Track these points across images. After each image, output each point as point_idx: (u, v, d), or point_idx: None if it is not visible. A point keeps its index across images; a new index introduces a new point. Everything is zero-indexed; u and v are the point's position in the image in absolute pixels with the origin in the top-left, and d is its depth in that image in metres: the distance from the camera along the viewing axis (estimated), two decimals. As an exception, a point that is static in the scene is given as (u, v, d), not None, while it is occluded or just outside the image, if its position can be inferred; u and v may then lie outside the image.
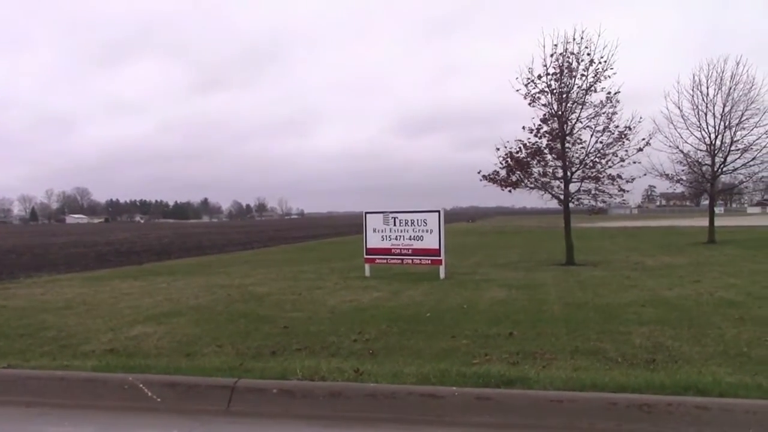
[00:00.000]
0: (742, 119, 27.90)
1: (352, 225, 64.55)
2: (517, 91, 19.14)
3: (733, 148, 28.46)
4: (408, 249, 16.02)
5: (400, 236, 16.10)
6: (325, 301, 12.02)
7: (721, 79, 28.16)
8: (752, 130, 27.96)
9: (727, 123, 28.19)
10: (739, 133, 28.20)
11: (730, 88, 28.00)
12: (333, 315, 10.47)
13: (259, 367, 6.97)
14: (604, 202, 20.10)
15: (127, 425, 5.92)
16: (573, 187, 19.49)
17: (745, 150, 28.37)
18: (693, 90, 28.63)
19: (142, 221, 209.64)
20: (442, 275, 15.45)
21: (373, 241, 16.53)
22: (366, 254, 16.73)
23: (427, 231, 15.80)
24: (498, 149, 19.20)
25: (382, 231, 16.36)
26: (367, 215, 16.76)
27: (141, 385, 6.40)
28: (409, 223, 16.02)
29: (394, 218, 16.23)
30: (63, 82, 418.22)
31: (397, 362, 7.08)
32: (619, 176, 19.03)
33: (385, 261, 16.50)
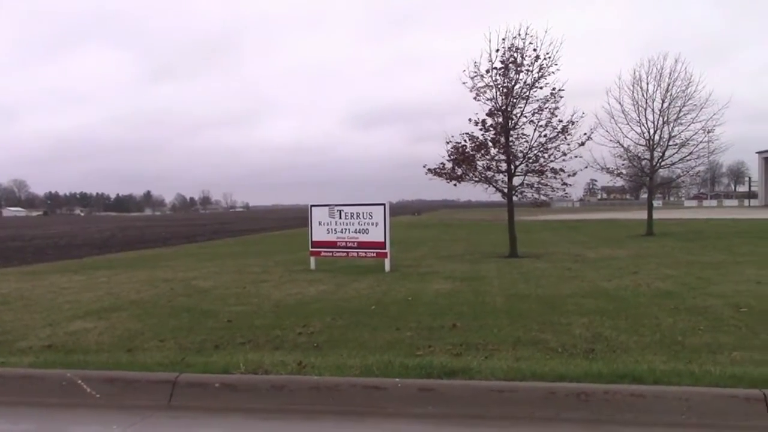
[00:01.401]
0: (680, 115, 28.70)
1: (297, 218, 64.24)
2: (464, 83, 19.28)
3: (671, 143, 29.22)
4: (353, 242, 16.03)
5: (346, 229, 16.10)
6: (270, 295, 11.95)
7: (661, 76, 28.92)
8: (689, 125, 28.82)
9: (665, 119, 28.94)
10: (676, 128, 29.02)
11: (669, 85, 28.78)
12: (278, 308, 10.42)
13: (202, 361, 6.90)
14: (547, 195, 20.39)
15: (65, 421, 5.81)
16: (516, 180, 19.73)
17: (682, 145, 29.16)
18: (633, 86, 29.34)
19: (82, 214, 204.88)
20: (387, 268, 15.50)
21: (319, 234, 16.49)
22: (311, 247, 16.68)
23: (372, 224, 15.82)
24: (448, 142, 19.32)
25: (328, 224, 16.32)
26: (313, 208, 16.71)
27: (79, 381, 6.28)
28: (355, 216, 16.02)
29: (340, 211, 16.22)
30: (4, 71, 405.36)
31: (341, 355, 7.09)
32: (562, 170, 19.33)
33: (330, 254, 16.47)
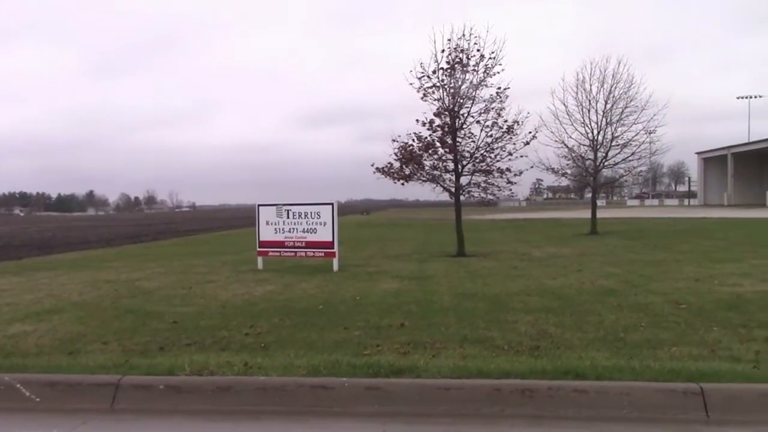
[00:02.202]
0: (622, 116, 29.26)
1: (245, 218, 63.61)
2: (411, 84, 19.36)
3: (613, 143, 29.74)
4: (301, 241, 15.95)
5: (294, 229, 16.01)
6: (217, 295, 11.82)
7: (603, 78, 29.43)
8: (631, 126, 29.40)
9: (608, 119, 29.44)
10: (619, 129, 29.54)
11: (612, 87, 29.28)
12: (224, 309, 10.31)
13: (146, 363, 6.79)
14: (494, 194, 20.59)
15: (4, 427, 5.65)
16: (464, 180, 19.86)
17: (624, 145, 29.74)
18: (577, 87, 29.79)
19: (22, 214, 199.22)
20: (335, 267, 15.47)
21: (266, 233, 16.37)
22: (259, 247, 16.55)
23: (320, 223, 15.77)
24: (394, 141, 19.36)
25: (276, 224, 16.22)
26: (260, 208, 16.57)
27: (18, 385, 6.12)
28: (303, 216, 15.94)
29: (288, 211, 16.12)
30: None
31: (288, 355, 7.06)
32: (508, 170, 19.52)
33: (278, 254, 16.37)
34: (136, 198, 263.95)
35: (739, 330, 8.00)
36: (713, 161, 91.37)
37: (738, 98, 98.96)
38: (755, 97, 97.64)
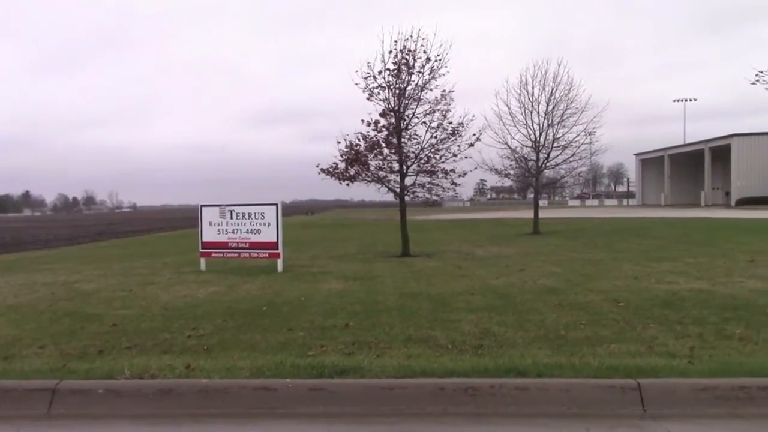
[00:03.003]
0: (563, 118, 29.83)
1: (187, 218, 62.72)
2: (356, 84, 19.36)
3: (555, 144, 30.28)
4: (245, 242, 15.80)
5: (237, 229, 15.85)
6: (158, 297, 11.62)
7: (545, 80, 29.95)
8: (572, 128, 30.03)
9: (550, 121, 29.95)
10: (560, 130, 30.11)
11: (553, 89, 29.84)
12: (166, 311, 10.15)
13: (85, 367, 6.65)
14: (438, 195, 20.75)
15: (-67, 436, 5.46)
16: (409, 180, 19.96)
17: (565, 147, 30.34)
18: (520, 89, 30.25)
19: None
20: (280, 268, 15.37)
21: (209, 234, 16.17)
22: (202, 248, 16.33)
23: (264, 224, 15.65)
24: (339, 142, 19.34)
25: (219, 224, 16.03)
26: (203, 208, 16.36)
27: (-51, 392, 5.91)
28: (247, 217, 15.80)
29: (231, 211, 15.95)
30: None
31: (231, 357, 6.99)
32: (452, 170, 19.69)
33: (221, 255, 16.18)
34: (75, 198, 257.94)
35: (675, 326, 8.23)
36: (651, 162, 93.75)
37: (674, 101, 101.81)
38: (690, 100, 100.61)
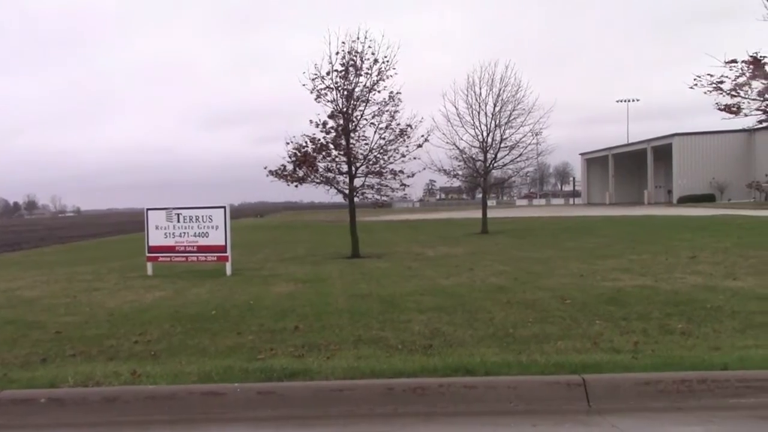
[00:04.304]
0: (510, 118, 30.20)
1: (134, 222, 61.61)
2: (303, 85, 19.31)
3: (502, 145, 30.64)
4: (193, 246, 15.61)
5: (185, 233, 15.64)
6: (104, 303, 11.40)
7: (492, 81, 30.27)
8: (519, 128, 30.44)
9: (497, 122, 30.29)
10: (507, 131, 30.50)
11: (500, 90, 30.18)
12: (112, 317, 9.96)
13: (27, 376, 6.49)
14: (387, 196, 20.85)
15: None
16: (358, 182, 19.98)
17: (512, 147, 30.75)
18: (468, 90, 30.51)
19: None
20: (228, 272, 15.23)
21: (156, 238, 15.92)
22: (148, 252, 16.06)
23: (212, 227, 15.48)
24: (288, 143, 19.25)
25: (166, 228, 15.79)
26: (149, 212, 16.10)
27: None
28: (194, 220, 15.60)
29: (178, 215, 15.73)
30: None
31: (179, 362, 6.91)
32: (401, 171, 19.78)
33: (168, 259, 15.95)
34: (16, 203, 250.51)
35: (620, 322, 8.41)
36: (596, 162, 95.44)
37: (617, 101, 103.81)
38: (633, 100, 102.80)
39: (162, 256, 15.95)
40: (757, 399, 5.71)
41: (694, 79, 13.32)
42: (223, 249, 15.42)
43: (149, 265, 15.96)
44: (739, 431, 5.45)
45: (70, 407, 5.70)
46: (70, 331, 8.84)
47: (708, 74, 13.10)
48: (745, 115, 13.42)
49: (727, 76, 12.94)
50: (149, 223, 16.01)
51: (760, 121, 14.82)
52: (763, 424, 5.49)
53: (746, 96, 12.97)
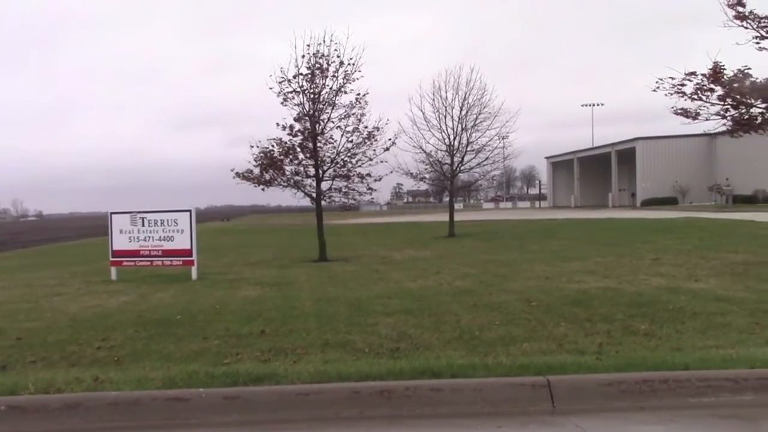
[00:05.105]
0: (477, 122, 30.41)
1: (97, 226, 60.81)
2: (270, 89, 19.25)
3: (469, 148, 30.85)
4: (158, 250, 15.45)
5: (150, 237, 15.48)
6: (66, 308, 11.22)
7: (458, 85, 30.46)
8: (485, 132, 30.66)
9: (463, 125, 30.48)
10: (474, 134, 30.70)
11: (466, 93, 30.37)
12: (74, 322, 9.80)
13: (-15, 384, 6.34)
14: (355, 199, 20.87)
15: None
16: (325, 185, 19.96)
17: (479, 150, 30.95)
18: (434, 94, 30.65)
19: None
20: (194, 276, 15.10)
21: (120, 242, 15.72)
22: (112, 257, 15.86)
23: (178, 231, 15.34)
24: (252, 147, 19.18)
25: (130, 232, 15.61)
26: (113, 216, 15.90)
27: None
28: (159, 224, 15.45)
29: (143, 218, 15.56)
30: None
31: (143, 368, 6.82)
32: (368, 175, 19.82)
33: (133, 263, 15.77)
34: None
35: (585, 324, 8.51)
36: (561, 165, 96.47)
37: (582, 106, 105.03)
38: (598, 105, 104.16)
39: (126, 261, 15.77)
40: (716, 398, 5.81)
41: (656, 82, 13.52)
42: (188, 253, 15.29)
43: (113, 269, 15.75)
44: (700, 430, 5.54)
45: (31, 415, 5.59)
46: (31, 337, 8.68)
47: (669, 77, 13.31)
48: (706, 119, 13.65)
49: (689, 79, 13.14)
50: (113, 227, 15.82)
51: (728, 126, 15.03)
52: (722, 422, 5.59)
53: (707, 100, 13.17)
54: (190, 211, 15.55)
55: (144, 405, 5.66)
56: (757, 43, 12.54)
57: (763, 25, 12.39)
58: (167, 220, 15.43)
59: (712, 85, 12.95)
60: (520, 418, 5.57)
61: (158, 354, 7.52)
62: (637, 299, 10.28)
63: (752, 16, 12.43)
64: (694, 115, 13.55)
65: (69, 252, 30.51)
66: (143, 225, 15.54)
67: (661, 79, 13.45)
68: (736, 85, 12.48)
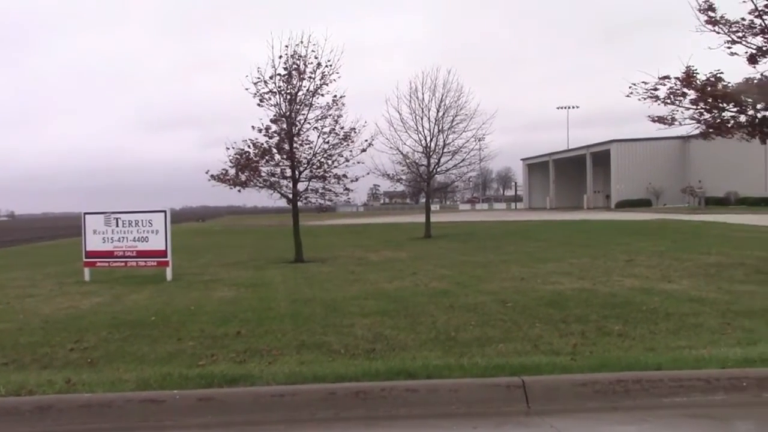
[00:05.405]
0: (453, 124, 30.56)
1: (71, 227, 60.11)
2: (246, 89, 19.18)
3: (445, 150, 30.99)
4: (132, 251, 15.31)
5: (124, 238, 15.34)
6: (38, 310, 11.08)
7: (435, 87, 30.56)
8: (461, 134, 30.84)
9: (440, 127, 30.61)
10: (450, 136, 30.86)
11: (443, 95, 30.50)
12: (47, 324, 9.68)
13: (-45, 387, 6.25)
14: (331, 200, 20.87)
15: None
16: (301, 186, 19.94)
17: (455, 152, 31.11)
18: (411, 96, 30.73)
19: None
20: (169, 277, 14.99)
21: (94, 243, 15.56)
22: (85, 257, 15.69)
23: (152, 232, 15.22)
24: (228, 148, 19.09)
25: (104, 232, 15.45)
26: (87, 216, 15.73)
27: None
28: (134, 224, 15.32)
29: (117, 219, 15.42)
30: None
31: (117, 370, 6.76)
32: (345, 176, 19.84)
33: (107, 264, 15.62)
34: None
35: (559, 325, 8.57)
36: (537, 167, 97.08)
37: (558, 108, 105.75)
38: (573, 107, 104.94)
39: (100, 262, 15.62)
40: (689, 398, 5.88)
41: (630, 87, 13.65)
42: (163, 254, 15.18)
43: (86, 270, 15.59)
44: (672, 430, 5.61)
45: (2, 417, 5.52)
46: (2, 339, 8.57)
47: (643, 82, 13.44)
48: (680, 125, 13.80)
49: (662, 83, 13.28)
50: (87, 228, 15.66)
51: (698, 136, 15.21)
52: (694, 422, 5.67)
53: (680, 105, 13.32)
54: (164, 211, 15.45)
55: (117, 407, 5.61)
56: (729, 47, 12.71)
57: (734, 30, 12.56)
58: (142, 221, 15.30)
59: (684, 89, 13.09)
60: (495, 419, 5.60)
61: (132, 356, 7.46)
62: (611, 300, 10.37)
63: (723, 21, 12.60)
64: (670, 122, 13.70)
65: (42, 253, 30.15)
66: (117, 225, 15.40)
67: (635, 84, 13.59)
68: (709, 88, 12.63)
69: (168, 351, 7.64)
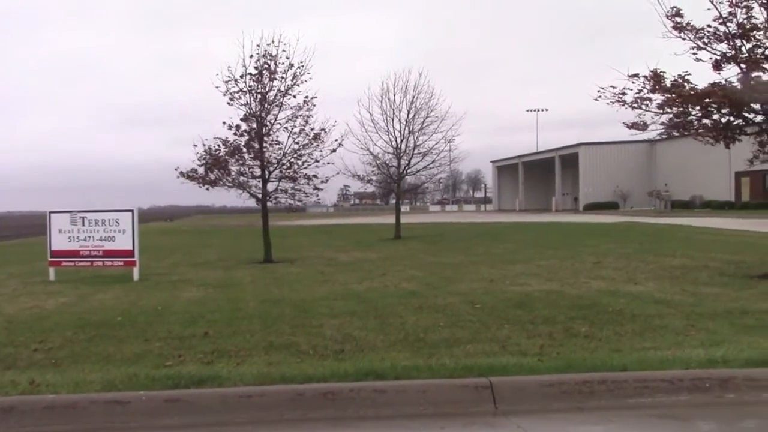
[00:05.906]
0: (424, 125, 30.61)
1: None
2: (217, 87, 19.07)
3: (416, 151, 31.04)
4: (99, 250, 15.13)
5: (90, 237, 15.14)
6: (2, 309, 10.90)
7: (406, 88, 30.59)
8: (432, 135, 30.91)
9: (411, 128, 30.63)
10: (421, 137, 30.90)
11: (414, 97, 30.53)
12: (10, 324, 9.53)
13: None
14: (301, 200, 20.82)
15: None
16: (271, 186, 19.86)
17: (425, 154, 31.19)
18: (382, 97, 30.72)
19: None
20: (136, 277, 14.83)
21: (59, 242, 15.34)
22: (50, 257, 15.46)
23: (119, 231, 15.05)
24: (196, 146, 18.95)
25: (70, 231, 15.24)
26: (52, 215, 15.50)
27: None
28: (100, 223, 15.13)
29: (83, 218, 15.22)
30: None
31: (82, 370, 6.68)
32: (315, 176, 19.79)
33: (72, 264, 15.40)
34: None
35: (527, 326, 8.64)
36: (506, 169, 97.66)
37: (527, 111, 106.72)
38: (542, 110, 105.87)
39: (65, 261, 15.41)
40: (653, 399, 5.97)
41: (598, 91, 13.77)
42: (130, 253, 15.02)
43: (51, 270, 15.36)
44: (637, 430, 5.69)
45: (-38, 419, 5.43)
46: (-37, 340, 8.42)
47: (611, 86, 13.57)
48: (654, 130, 14.02)
49: (629, 88, 13.42)
50: (52, 227, 15.43)
51: (663, 133, 15.42)
52: (659, 422, 5.75)
53: (647, 109, 13.48)
54: (132, 211, 15.29)
55: (82, 408, 5.55)
56: (694, 53, 12.89)
57: (699, 36, 12.74)
58: (108, 220, 15.12)
59: (650, 95, 13.25)
60: (462, 419, 5.64)
61: (98, 356, 7.38)
62: (579, 302, 10.48)
63: (689, 27, 12.77)
64: (643, 127, 13.89)
65: (5, 251, 29.62)
66: (83, 225, 15.20)
67: (603, 88, 13.72)
68: (675, 89, 12.79)
69: (134, 352, 7.57)
